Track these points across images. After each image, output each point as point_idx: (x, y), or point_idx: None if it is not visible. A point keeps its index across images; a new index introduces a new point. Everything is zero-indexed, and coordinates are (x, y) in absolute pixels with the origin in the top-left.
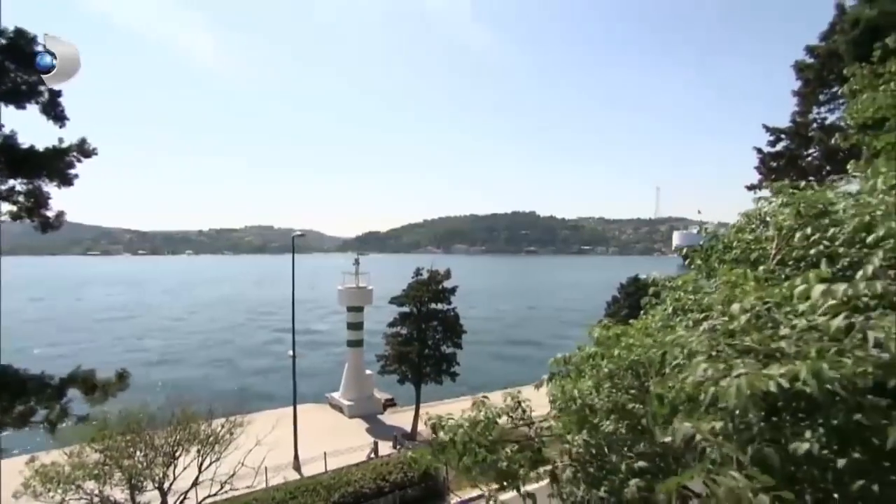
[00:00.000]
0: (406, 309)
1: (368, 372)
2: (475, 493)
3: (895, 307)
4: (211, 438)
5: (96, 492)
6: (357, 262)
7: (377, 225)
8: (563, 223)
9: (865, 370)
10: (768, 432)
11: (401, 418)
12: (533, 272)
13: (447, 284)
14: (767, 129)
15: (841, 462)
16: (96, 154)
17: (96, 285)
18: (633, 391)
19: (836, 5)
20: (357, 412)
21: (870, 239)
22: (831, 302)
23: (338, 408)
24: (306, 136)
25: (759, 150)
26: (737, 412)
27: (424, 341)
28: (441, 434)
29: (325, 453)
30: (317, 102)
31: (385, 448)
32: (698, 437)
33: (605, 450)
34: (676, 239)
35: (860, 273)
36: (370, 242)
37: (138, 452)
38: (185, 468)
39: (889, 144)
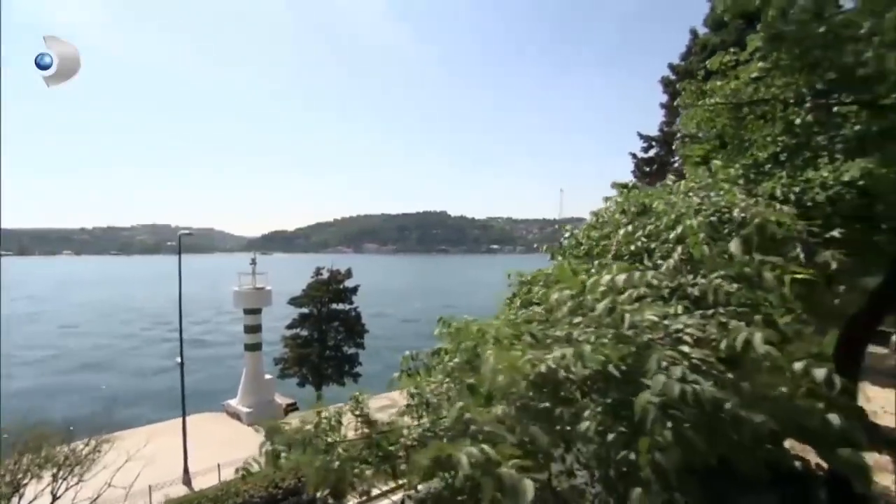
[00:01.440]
0: (306, 310)
1: (268, 376)
2: (375, 491)
3: (687, 297)
4: (69, 461)
5: None
6: (254, 261)
7: (285, 224)
8: (473, 223)
9: (629, 351)
10: (544, 414)
11: None
12: (446, 271)
13: (349, 284)
14: (641, 136)
15: (611, 436)
16: None
17: None
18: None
19: (691, 30)
20: (256, 419)
21: (672, 235)
22: (632, 291)
23: (236, 416)
24: (212, 133)
25: (634, 156)
26: (521, 395)
27: (325, 342)
28: (274, 440)
29: (218, 465)
30: (225, 100)
31: None
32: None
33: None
34: None
35: (664, 266)
36: (277, 242)
37: None
38: (35, 498)
39: (699, 152)
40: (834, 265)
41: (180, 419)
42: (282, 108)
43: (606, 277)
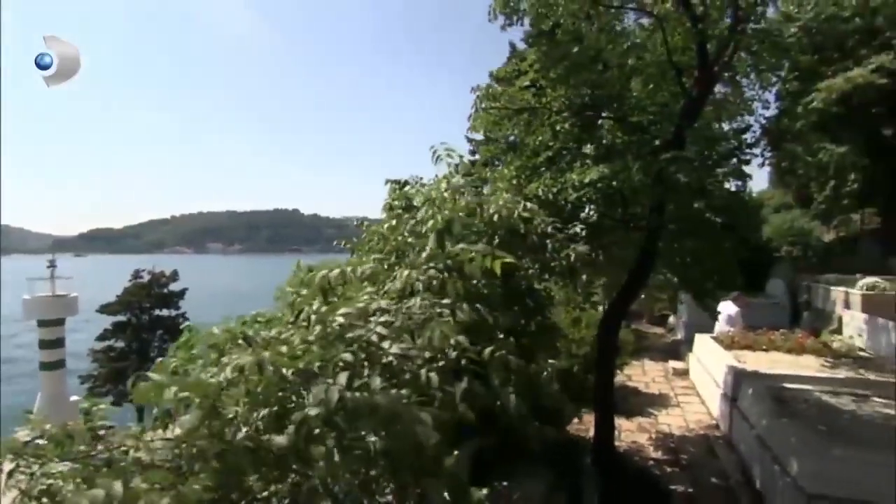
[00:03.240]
0: (123, 318)
1: (74, 398)
2: None
3: (438, 292)
4: None
5: None
6: (52, 264)
7: (110, 221)
8: (328, 222)
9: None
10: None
11: None
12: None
13: (175, 287)
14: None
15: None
16: None
17: None
18: None
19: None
20: None
21: (423, 230)
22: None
23: None
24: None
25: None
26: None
27: (146, 354)
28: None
29: None
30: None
31: None
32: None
33: None
34: None
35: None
36: (100, 241)
37: None
38: None
39: (486, 154)
40: (573, 257)
41: None
42: (114, 93)
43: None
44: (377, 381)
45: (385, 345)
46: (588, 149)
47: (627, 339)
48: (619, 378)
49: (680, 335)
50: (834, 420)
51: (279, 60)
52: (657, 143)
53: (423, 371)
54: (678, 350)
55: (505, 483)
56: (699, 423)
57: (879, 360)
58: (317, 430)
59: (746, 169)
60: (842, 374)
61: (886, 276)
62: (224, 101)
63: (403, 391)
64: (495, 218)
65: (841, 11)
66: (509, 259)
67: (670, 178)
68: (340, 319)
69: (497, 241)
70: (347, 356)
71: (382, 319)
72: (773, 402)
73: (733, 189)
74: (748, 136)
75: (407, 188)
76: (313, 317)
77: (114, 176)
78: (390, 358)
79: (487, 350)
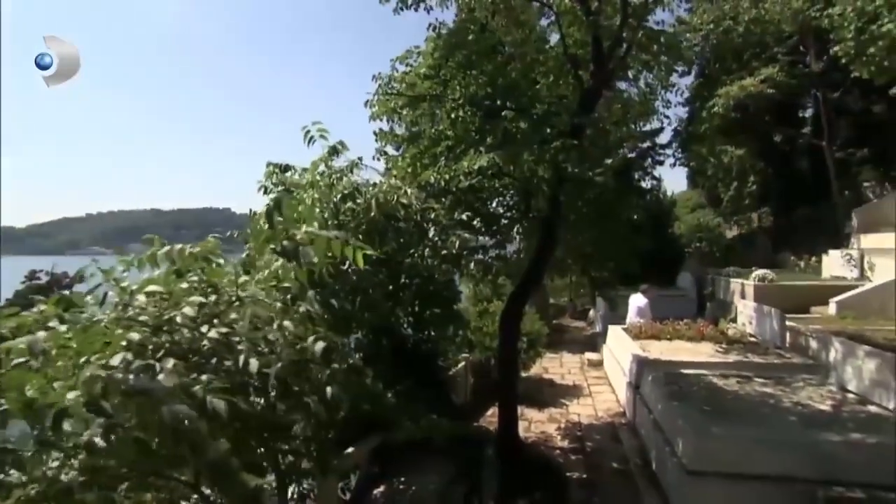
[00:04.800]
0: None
1: None
2: None
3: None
4: None
5: None
6: None
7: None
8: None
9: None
10: None
11: None
12: None
13: (82, 288)
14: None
15: None
16: None
17: None
18: None
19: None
20: None
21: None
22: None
23: None
24: None
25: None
26: None
27: None
28: None
29: None
30: None
31: None
32: None
33: None
34: None
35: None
36: None
37: None
38: None
39: (383, 140)
40: (457, 243)
41: None
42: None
43: None
44: (170, 364)
45: (204, 329)
46: (489, 139)
47: (541, 332)
48: (536, 370)
49: (598, 328)
50: (719, 401)
51: (216, 51)
52: (551, 133)
53: (242, 357)
54: (596, 342)
55: (402, 479)
56: (608, 411)
57: (764, 344)
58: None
59: (662, 170)
60: (731, 358)
61: (776, 269)
62: (157, 96)
63: (204, 377)
64: (374, 203)
65: (736, 26)
66: (369, 251)
67: (560, 167)
68: (142, 299)
69: (366, 227)
70: (134, 336)
71: (193, 300)
72: (666, 387)
73: (647, 187)
74: (667, 139)
75: (288, 173)
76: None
77: (18, 173)
78: (206, 343)
79: (319, 345)
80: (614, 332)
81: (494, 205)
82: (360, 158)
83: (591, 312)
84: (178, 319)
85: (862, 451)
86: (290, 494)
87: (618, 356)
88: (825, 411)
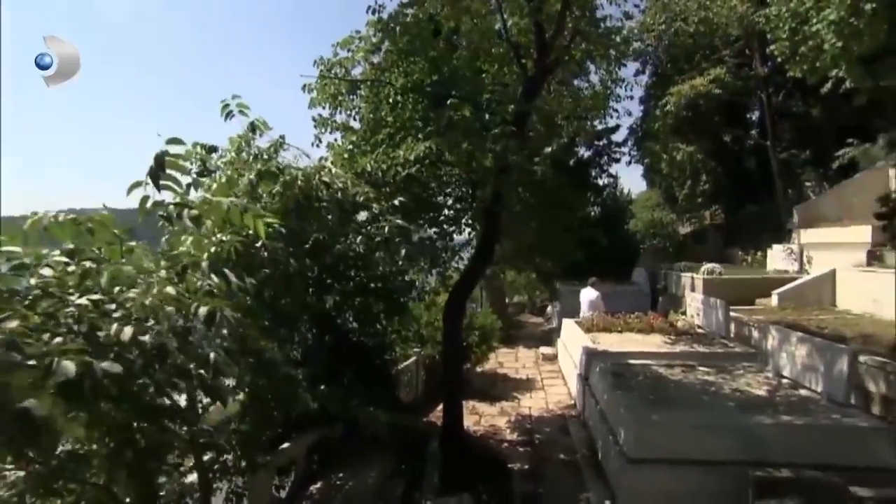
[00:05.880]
0: None
1: None
2: None
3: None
4: None
5: None
6: None
7: None
8: None
9: None
10: None
11: None
12: None
13: None
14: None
15: None
16: None
17: None
18: None
19: None
20: None
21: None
22: None
23: None
24: None
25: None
26: None
27: None
28: None
29: None
30: None
31: None
32: None
33: None
34: None
35: None
36: None
37: None
38: None
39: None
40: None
41: None
42: None
43: None
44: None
45: (73, 298)
46: (430, 128)
47: (493, 326)
48: (491, 365)
49: (555, 323)
50: (662, 389)
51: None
52: (493, 120)
53: (115, 326)
54: (552, 337)
55: (341, 474)
56: (559, 403)
57: (710, 335)
58: None
59: (624, 170)
60: (678, 348)
61: (725, 264)
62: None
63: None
64: (299, 182)
65: (687, 27)
66: (272, 220)
67: (499, 155)
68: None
69: (280, 206)
70: None
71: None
72: (612, 377)
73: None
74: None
75: (215, 154)
76: None
77: None
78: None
79: (202, 310)
80: (568, 325)
81: (442, 197)
82: (282, 137)
83: (549, 308)
84: (33, 281)
85: (790, 432)
86: (228, 493)
87: (570, 350)
88: (761, 396)
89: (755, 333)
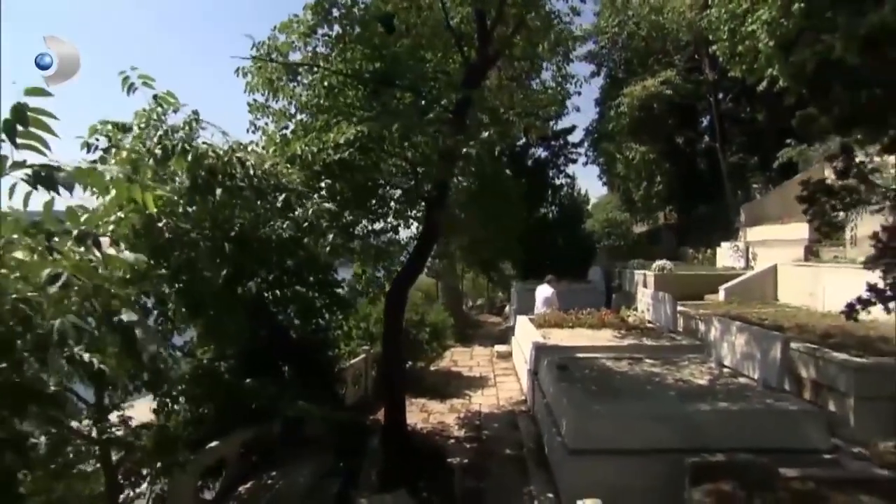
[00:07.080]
0: None
1: None
2: None
3: None
4: None
5: None
6: None
7: None
8: None
9: None
10: None
11: None
12: None
13: None
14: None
15: None
16: None
17: None
18: None
19: None
20: None
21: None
22: None
23: None
24: None
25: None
26: None
27: None
28: None
29: None
30: None
31: None
32: None
33: None
34: None
35: None
36: None
37: None
38: None
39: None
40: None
41: None
42: None
43: None
44: None
45: None
46: (367, 113)
47: (445, 323)
48: (445, 363)
49: (512, 321)
50: (607, 381)
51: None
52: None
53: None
54: (508, 336)
55: (273, 473)
56: (510, 399)
57: (660, 329)
58: None
59: (585, 173)
60: (627, 342)
61: (677, 261)
62: None
63: None
64: (209, 160)
65: (639, 30)
66: (162, 192)
67: (433, 139)
68: None
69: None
70: None
71: None
72: (557, 370)
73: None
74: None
75: (130, 134)
76: None
77: None
78: None
79: (46, 271)
80: (521, 322)
81: (389, 189)
82: (195, 112)
83: (507, 308)
84: None
85: (727, 418)
86: (148, 497)
87: (523, 346)
88: (702, 385)
89: (701, 326)
